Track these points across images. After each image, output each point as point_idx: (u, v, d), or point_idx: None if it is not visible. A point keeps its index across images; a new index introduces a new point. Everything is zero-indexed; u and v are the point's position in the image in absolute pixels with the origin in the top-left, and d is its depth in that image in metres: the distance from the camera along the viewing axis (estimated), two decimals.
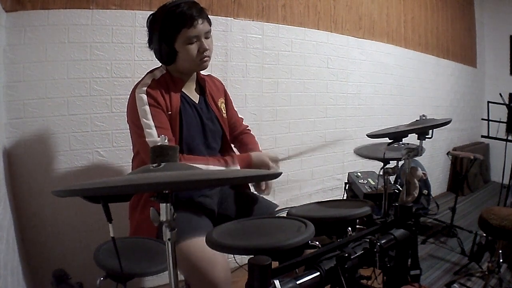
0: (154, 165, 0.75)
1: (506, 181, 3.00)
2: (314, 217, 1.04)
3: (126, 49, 1.91)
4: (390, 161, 1.39)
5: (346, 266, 0.93)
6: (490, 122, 3.30)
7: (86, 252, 1.79)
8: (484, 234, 2.09)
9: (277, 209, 1.46)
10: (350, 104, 3.08)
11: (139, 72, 1.86)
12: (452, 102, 4.38)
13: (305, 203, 1.31)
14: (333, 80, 2.92)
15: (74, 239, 1.85)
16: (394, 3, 3.42)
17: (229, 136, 1.57)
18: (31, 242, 1.74)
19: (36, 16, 1.68)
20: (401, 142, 1.34)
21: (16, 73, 1.67)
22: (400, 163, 1.43)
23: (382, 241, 1.10)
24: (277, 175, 0.77)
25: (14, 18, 1.64)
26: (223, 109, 1.56)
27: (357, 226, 1.17)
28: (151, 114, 1.29)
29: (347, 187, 2.43)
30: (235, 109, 1.70)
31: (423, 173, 1.35)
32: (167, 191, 0.72)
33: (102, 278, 1.02)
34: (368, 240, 1.06)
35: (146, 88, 1.32)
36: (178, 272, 0.80)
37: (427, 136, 1.31)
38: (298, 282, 0.85)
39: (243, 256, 0.82)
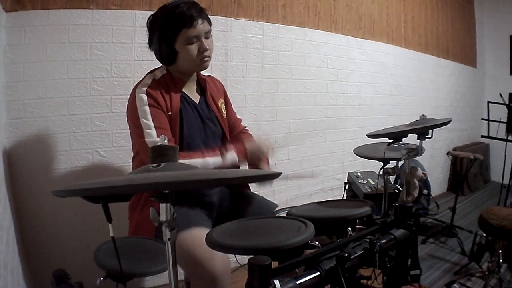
0: (154, 165, 0.75)
1: (506, 181, 3.00)
2: (314, 217, 1.04)
3: (126, 49, 1.91)
4: (390, 161, 1.39)
5: (346, 266, 0.93)
6: (490, 122, 3.30)
7: (86, 252, 1.79)
8: (484, 234, 2.10)
9: (277, 209, 1.46)
10: (350, 104, 3.08)
11: (139, 72, 1.86)
12: (452, 102, 4.38)
13: (305, 203, 1.31)
14: (333, 80, 2.92)
15: (74, 239, 1.85)
16: (394, 3, 3.42)
17: (229, 136, 1.57)
18: (31, 242, 1.74)
19: (36, 16, 1.68)
20: (401, 142, 1.34)
21: (16, 73, 1.67)
22: (400, 163, 1.43)
23: (382, 241, 1.10)
24: (276, 175, 0.77)
25: (14, 18, 1.64)
26: (223, 110, 1.56)
27: (357, 226, 1.16)
28: (151, 115, 1.29)
29: (347, 187, 2.43)
30: (235, 109, 1.70)
31: (423, 173, 1.35)
32: (167, 191, 0.72)
33: (102, 278, 1.02)
34: (368, 240, 1.06)
35: (146, 88, 1.32)
36: (178, 272, 0.80)
37: (427, 136, 1.31)
38: (298, 282, 0.85)
39: (243, 256, 0.82)
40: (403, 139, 1.32)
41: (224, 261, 1.15)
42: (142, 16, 1.91)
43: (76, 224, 1.85)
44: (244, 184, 1.61)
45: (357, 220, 1.15)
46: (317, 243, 1.05)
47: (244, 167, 1.42)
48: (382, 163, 1.38)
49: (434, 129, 1.30)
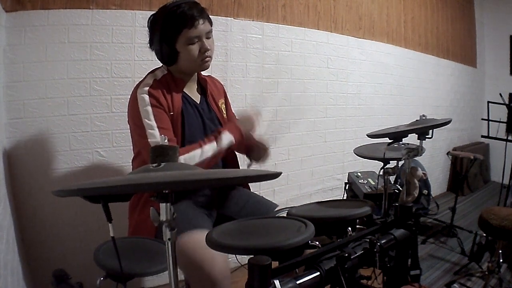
0: (154, 165, 0.75)
1: (506, 181, 3.00)
2: (314, 217, 1.04)
3: (126, 49, 1.91)
4: (390, 161, 1.39)
5: (346, 266, 0.93)
6: (490, 122, 3.30)
7: (86, 252, 1.78)
8: (484, 234, 2.09)
9: (277, 209, 1.46)
10: (350, 104, 3.08)
11: (139, 72, 1.86)
12: (452, 102, 4.38)
13: (305, 203, 1.31)
14: (333, 80, 2.92)
15: (74, 239, 1.85)
16: (394, 3, 3.42)
17: None
18: (31, 242, 1.74)
19: (36, 16, 1.68)
20: (401, 142, 1.34)
21: (16, 73, 1.67)
22: (400, 163, 1.43)
23: (382, 241, 1.10)
24: (276, 175, 0.77)
25: (14, 18, 1.64)
26: (223, 110, 1.56)
27: (357, 226, 1.16)
28: (153, 115, 1.29)
29: (347, 187, 2.43)
30: (234, 109, 1.70)
31: (423, 173, 1.35)
32: (167, 191, 0.72)
33: (102, 278, 1.02)
34: (368, 240, 1.06)
35: (148, 88, 1.32)
36: (178, 272, 0.80)
37: (427, 136, 1.31)
38: (298, 282, 0.85)
39: (243, 256, 0.82)
40: (403, 139, 1.33)
41: (224, 264, 1.15)
42: (142, 16, 1.91)
43: (76, 224, 1.85)
44: (244, 184, 1.61)
45: (357, 220, 1.14)
46: (317, 243, 1.06)
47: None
48: (382, 163, 1.38)
49: (434, 129, 1.31)
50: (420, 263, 1.27)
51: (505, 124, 3.41)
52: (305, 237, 0.83)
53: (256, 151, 1.54)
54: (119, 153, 1.94)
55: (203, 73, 1.51)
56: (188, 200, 1.39)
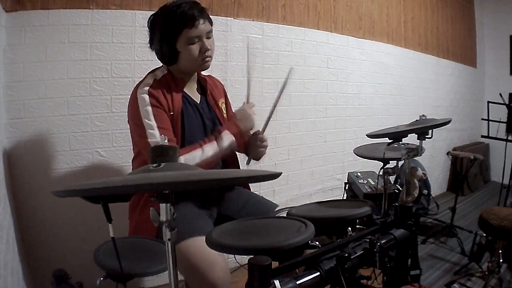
0: (154, 165, 0.75)
1: (506, 181, 3.00)
2: (314, 217, 1.04)
3: (126, 49, 1.91)
4: (390, 161, 1.39)
5: (346, 266, 0.93)
6: (490, 122, 3.30)
7: (86, 252, 1.78)
8: (484, 234, 2.09)
9: (277, 209, 1.46)
10: (350, 104, 3.08)
11: (139, 72, 1.86)
12: (452, 102, 4.38)
13: (305, 203, 1.31)
14: (333, 80, 2.92)
15: (74, 239, 1.85)
16: (394, 3, 3.42)
17: None
18: (31, 242, 1.74)
19: (36, 16, 1.68)
20: (401, 142, 1.34)
21: (16, 73, 1.67)
22: (400, 163, 1.43)
23: (382, 241, 1.10)
24: (276, 175, 0.77)
25: (14, 18, 1.64)
26: (223, 109, 1.56)
27: (357, 226, 1.16)
28: (153, 115, 1.29)
29: (347, 187, 2.43)
30: (234, 109, 1.70)
31: (423, 173, 1.35)
32: (167, 191, 0.72)
33: (102, 278, 1.02)
34: (368, 240, 1.06)
35: (148, 88, 1.32)
36: (178, 272, 0.80)
37: (427, 136, 1.31)
38: (298, 282, 0.85)
39: (243, 256, 0.82)
40: (403, 139, 1.32)
41: (224, 269, 1.15)
42: (142, 16, 1.91)
43: (76, 224, 1.85)
44: (244, 184, 1.61)
45: (357, 220, 1.14)
46: (317, 243, 1.05)
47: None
48: (382, 163, 1.38)
49: (434, 129, 1.30)
50: (420, 263, 1.27)
51: (505, 124, 3.40)
52: (305, 237, 0.83)
53: (254, 146, 1.53)
54: (119, 153, 1.94)
55: (203, 72, 1.51)
56: (189, 200, 1.39)
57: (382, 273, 1.18)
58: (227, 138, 1.35)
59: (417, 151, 1.29)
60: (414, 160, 1.50)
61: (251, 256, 0.76)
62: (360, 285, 1.03)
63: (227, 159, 1.54)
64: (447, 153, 3.45)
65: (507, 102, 3.16)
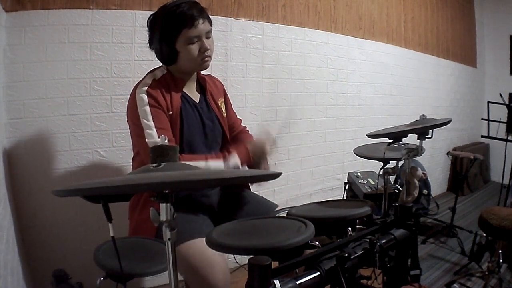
0: (154, 165, 0.75)
1: (506, 181, 3.00)
2: (314, 217, 1.04)
3: (126, 49, 1.91)
4: (390, 161, 1.39)
5: (346, 266, 0.93)
6: (490, 122, 3.30)
7: (86, 252, 1.78)
8: (484, 234, 2.09)
9: (277, 209, 1.46)
10: (350, 104, 3.08)
11: (139, 72, 1.86)
12: (452, 102, 4.38)
13: (305, 203, 1.31)
14: (333, 80, 2.92)
15: (74, 239, 1.85)
16: (394, 3, 3.42)
17: (229, 136, 1.57)
18: (31, 242, 1.74)
19: (36, 16, 1.68)
20: (401, 142, 1.34)
21: (16, 73, 1.67)
22: (400, 163, 1.43)
23: (382, 241, 1.10)
24: (276, 175, 0.77)
25: (14, 18, 1.64)
26: (223, 109, 1.55)
27: (357, 226, 1.16)
28: (152, 115, 1.29)
29: (347, 187, 2.43)
30: (235, 109, 1.70)
31: (423, 173, 1.35)
32: (167, 191, 0.72)
33: (102, 278, 1.02)
34: (368, 240, 1.06)
35: (146, 88, 1.32)
36: (178, 272, 0.80)
37: (427, 136, 1.31)
38: (298, 282, 0.85)
39: (243, 256, 0.82)
40: (403, 139, 1.32)
41: (224, 271, 1.16)
42: (142, 16, 1.91)
43: (76, 224, 1.85)
44: (244, 184, 1.60)
45: (357, 220, 1.14)
46: (317, 243, 1.05)
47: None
48: (382, 163, 1.38)
49: (434, 129, 1.30)
50: (420, 263, 1.27)
51: (505, 124, 3.40)
52: (305, 237, 0.83)
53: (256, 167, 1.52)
54: (119, 153, 1.94)
55: (202, 72, 1.51)
56: (189, 201, 1.39)
57: (382, 273, 1.18)
58: (234, 160, 1.34)
59: (417, 151, 1.29)
60: (414, 160, 1.50)
61: (251, 256, 0.76)
62: (360, 285, 1.03)
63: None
64: (447, 153, 3.45)
65: (507, 102, 3.16)
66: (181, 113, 1.37)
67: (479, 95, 4.93)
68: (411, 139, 1.31)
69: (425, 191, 3.14)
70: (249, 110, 2.42)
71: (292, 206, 1.31)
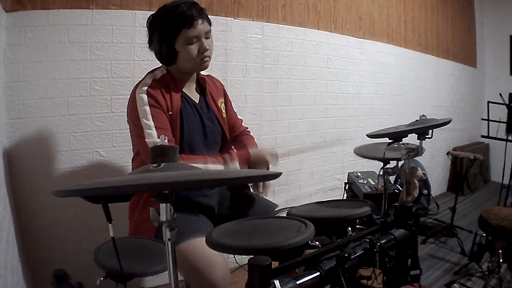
0: (154, 165, 0.75)
1: (506, 181, 3.00)
2: (314, 217, 1.04)
3: (126, 49, 1.91)
4: (390, 161, 1.39)
5: (346, 266, 0.93)
6: (490, 122, 3.30)
7: (86, 252, 1.79)
8: (484, 234, 2.09)
9: (277, 209, 1.46)
10: (350, 104, 3.08)
11: (139, 72, 1.86)
12: (452, 102, 4.38)
13: (305, 203, 1.31)
14: (333, 80, 2.92)
15: (74, 239, 1.85)
16: (394, 3, 3.42)
17: (229, 136, 1.57)
18: (31, 242, 1.74)
19: (36, 16, 1.68)
20: (401, 142, 1.34)
21: (16, 73, 1.67)
22: (400, 163, 1.43)
23: (382, 241, 1.10)
24: (277, 175, 0.77)
25: (14, 18, 1.64)
26: (222, 109, 1.56)
27: (357, 226, 1.16)
28: (151, 115, 1.29)
29: (347, 187, 2.43)
30: (235, 109, 1.70)
31: (423, 173, 1.35)
32: (167, 191, 0.72)
33: (102, 278, 1.02)
34: (368, 240, 1.06)
35: (146, 88, 1.32)
36: (178, 272, 0.80)
37: (427, 136, 1.31)
38: (298, 282, 0.85)
39: (243, 256, 0.82)
40: (403, 139, 1.32)
41: (224, 270, 1.16)
42: (142, 16, 1.91)
43: (76, 224, 1.85)
44: (244, 184, 1.61)
45: (357, 220, 1.14)
46: (317, 243, 1.05)
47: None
48: (382, 163, 1.38)
49: (434, 129, 1.30)
50: (420, 263, 1.27)
51: (505, 124, 3.40)
52: (305, 237, 0.83)
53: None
54: (119, 153, 1.94)
55: (202, 72, 1.51)
56: (188, 201, 1.39)
57: (382, 273, 1.18)
58: (234, 166, 1.34)
59: (417, 151, 1.29)
60: (414, 160, 1.50)
61: (251, 256, 0.76)
62: (360, 285, 1.03)
63: None
64: (447, 153, 3.45)
65: (507, 102, 3.16)
66: (181, 113, 1.37)
67: (479, 95, 4.93)
68: (411, 139, 1.31)
69: (425, 191, 3.14)
70: (249, 110, 2.42)
71: (292, 206, 1.31)
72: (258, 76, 2.45)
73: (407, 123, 1.41)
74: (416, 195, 1.29)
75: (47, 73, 1.73)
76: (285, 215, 1.14)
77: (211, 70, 2.05)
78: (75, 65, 1.79)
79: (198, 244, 1.17)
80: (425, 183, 3.18)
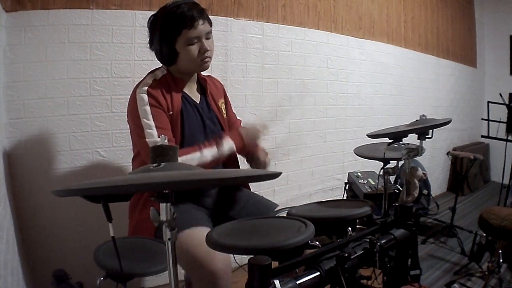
0: (154, 165, 0.75)
1: (506, 181, 3.00)
2: (314, 217, 1.04)
3: (126, 49, 1.91)
4: (390, 161, 1.39)
5: (346, 266, 0.93)
6: (490, 122, 3.30)
7: (86, 252, 1.78)
8: (484, 234, 2.09)
9: (277, 209, 1.46)
10: (350, 104, 3.08)
11: (139, 72, 1.86)
12: (452, 102, 4.38)
13: (305, 203, 1.31)
14: (333, 80, 2.92)
15: (74, 239, 1.85)
16: (394, 3, 3.42)
17: None
18: (31, 242, 1.74)
19: (36, 16, 1.68)
20: (401, 142, 1.34)
21: (16, 73, 1.67)
22: (400, 163, 1.43)
23: (382, 241, 1.10)
24: (276, 175, 0.77)
25: (14, 18, 1.64)
26: (223, 110, 1.56)
27: (357, 226, 1.16)
28: (152, 115, 1.29)
29: (347, 187, 2.43)
30: (235, 109, 1.70)
31: (423, 173, 1.35)
32: (167, 191, 0.72)
33: (102, 278, 1.02)
34: (368, 240, 1.06)
35: (147, 88, 1.32)
36: (178, 272, 0.80)
37: (427, 136, 1.31)
38: (298, 282, 0.85)
39: (243, 256, 0.82)
40: (403, 139, 1.32)
41: (225, 260, 1.15)
42: (142, 16, 1.91)
43: (76, 224, 1.85)
44: (244, 184, 1.61)
45: (357, 220, 1.14)
46: (317, 243, 1.05)
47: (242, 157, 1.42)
48: (382, 163, 1.38)
49: (434, 129, 1.30)
50: (420, 263, 1.27)
51: (505, 124, 3.40)
52: (305, 237, 0.83)
53: (256, 160, 1.53)
54: (119, 153, 1.94)
55: (203, 73, 1.51)
56: (188, 200, 1.39)
57: (382, 273, 1.18)
58: (227, 143, 1.34)
59: (417, 151, 1.29)
60: (414, 160, 1.50)
61: (251, 256, 0.76)
62: (360, 285, 1.03)
63: (228, 160, 1.54)
64: (447, 153, 3.45)
65: (507, 102, 3.16)
66: (181, 113, 1.37)
67: (479, 95, 4.93)
68: (411, 139, 1.31)
69: (425, 191, 3.14)
70: (249, 110, 2.42)
71: (292, 206, 1.31)
72: (258, 76, 2.45)
73: (407, 123, 1.41)
74: (416, 195, 1.29)
75: (47, 73, 1.73)
76: (285, 215, 1.14)
77: (211, 71, 2.04)
78: (75, 65, 1.79)
79: (197, 234, 1.16)
80: (425, 183, 3.18)
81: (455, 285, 2.15)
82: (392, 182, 2.23)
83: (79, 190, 0.68)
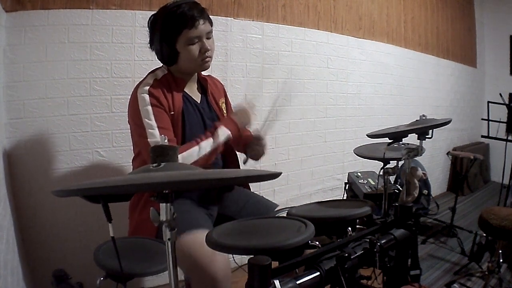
0: (154, 165, 0.75)
1: (506, 181, 3.00)
2: (314, 217, 1.04)
3: (126, 49, 1.91)
4: (390, 161, 1.39)
5: (346, 266, 0.93)
6: (490, 122, 3.30)
7: (86, 252, 1.78)
8: (484, 234, 2.09)
9: (277, 209, 1.46)
10: (350, 104, 3.08)
11: (139, 72, 1.86)
12: (452, 102, 4.38)
13: (305, 203, 1.31)
14: (333, 80, 2.92)
15: (74, 239, 1.85)
16: (394, 3, 3.42)
17: None
18: (31, 242, 1.74)
19: (36, 16, 1.68)
20: (401, 142, 1.34)
21: (16, 73, 1.67)
22: (400, 163, 1.44)
23: (382, 241, 1.10)
24: (276, 175, 0.77)
25: (14, 18, 1.64)
26: (223, 109, 1.56)
27: (357, 226, 1.16)
28: (153, 115, 1.29)
29: (347, 187, 2.43)
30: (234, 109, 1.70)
31: (423, 173, 1.35)
32: (167, 191, 0.72)
33: (102, 278, 1.02)
34: (368, 240, 1.06)
35: (148, 88, 1.32)
36: (178, 272, 0.80)
37: (427, 136, 1.31)
38: (298, 282, 0.85)
39: (243, 256, 0.82)
40: (403, 139, 1.33)
41: (225, 263, 1.15)
42: (142, 16, 1.91)
43: (76, 224, 1.85)
44: (244, 183, 1.61)
45: (357, 220, 1.14)
46: (317, 243, 1.05)
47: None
48: (382, 163, 1.38)
49: (434, 129, 1.31)
50: (420, 263, 1.27)
51: (505, 124, 3.40)
52: (305, 237, 0.83)
53: (252, 145, 1.54)
54: (119, 153, 1.94)
55: (203, 72, 1.51)
56: (189, 199, 1.39)
57: (382, 273, 1.18)
58: (223, 132, 1.35)
59: (417, 151, 1.29)
60: (414, 160, 1.50)
61: (251, 256, 0.76)
62: (360, 285, 1.03)
63: (228, 159, 1.54)
64: (447, 153, 3.45)
65: (507, 102, 3.16)
66: (183, 113, 1.37)
67: (479, 95, 4.93)
68: (411, 139, 1.31)
69: (425, 191, 3.14)
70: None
71: (292, 206, 1.31)
72: (258, 76, 2.45)
73: (407, 123, 1.42)
74: (416, 195, 1.29)
75: (47, 73, 1.73)
76: (285, 215, 1.14)
77: (212, 70, 2.04)
78: (75, 65, 1.79)
79: (197, 237, 1.16)
80: (425, 183, 3.18)
81: (455, 285, 2.15)
82: (392, 182, 2.23)
83: (79, 190, 0.68)
